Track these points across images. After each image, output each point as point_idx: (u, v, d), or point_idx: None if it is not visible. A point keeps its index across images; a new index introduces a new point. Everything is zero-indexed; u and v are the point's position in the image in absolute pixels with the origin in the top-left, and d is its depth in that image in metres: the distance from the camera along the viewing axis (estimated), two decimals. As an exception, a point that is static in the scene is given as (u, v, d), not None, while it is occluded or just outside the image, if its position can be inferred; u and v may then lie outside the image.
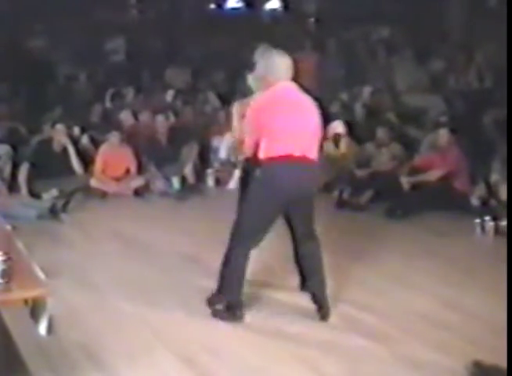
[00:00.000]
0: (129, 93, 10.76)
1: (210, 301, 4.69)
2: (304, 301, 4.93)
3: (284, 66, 4.51)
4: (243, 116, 4.69)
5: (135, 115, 9.77)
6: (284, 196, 4.50)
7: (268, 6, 13.17)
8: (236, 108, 4.97)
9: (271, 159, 4.43)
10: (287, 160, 4.43)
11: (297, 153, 4.44)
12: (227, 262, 4.56)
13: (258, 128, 4.44)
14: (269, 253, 5.71)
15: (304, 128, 4.48)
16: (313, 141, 4.53)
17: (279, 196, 4.49)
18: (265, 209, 4.50)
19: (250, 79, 4.79)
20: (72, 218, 7.34)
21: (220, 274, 4.59)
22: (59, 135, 8.37)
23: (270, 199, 4.47)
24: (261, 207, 4.49)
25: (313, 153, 4.52)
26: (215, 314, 4.62)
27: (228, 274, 4.56)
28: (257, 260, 5.51)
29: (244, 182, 4.77)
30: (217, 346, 4.20)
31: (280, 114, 4.42)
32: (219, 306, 4.63)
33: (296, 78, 4.59)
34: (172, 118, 9.64)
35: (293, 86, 4.55)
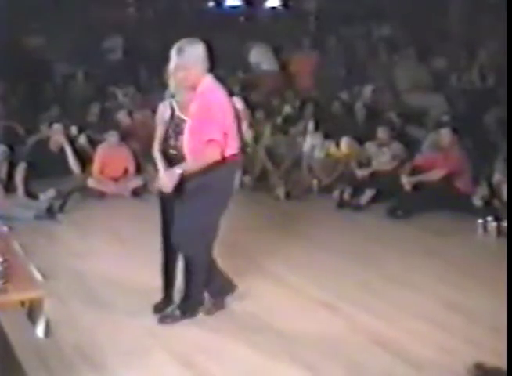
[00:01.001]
0: (129, 92, 10.73)
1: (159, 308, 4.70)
2: (304, 300, 4.97)
3: (204, 56, 4.34)
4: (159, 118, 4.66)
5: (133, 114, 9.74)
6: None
7: (268, 4, 13.17)
8: (160, 110, 4.70)
9: (224, 160, 4.36)
10: (236, 158, 4.46)
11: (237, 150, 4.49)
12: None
13: (229, 128, 4.37)
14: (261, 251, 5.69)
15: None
16: None
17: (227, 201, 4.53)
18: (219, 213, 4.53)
19: (173, 83, 4.49)
20: (69, 219, 7.32)
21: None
22: (57, 135, 8.32)
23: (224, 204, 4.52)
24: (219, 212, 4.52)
25: None
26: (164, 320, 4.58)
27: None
28: (252, 260, 5.51)
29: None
30: (214, 347, 4.20)
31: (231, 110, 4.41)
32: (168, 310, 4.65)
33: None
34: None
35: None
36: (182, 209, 4.41)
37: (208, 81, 4.35)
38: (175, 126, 4.55)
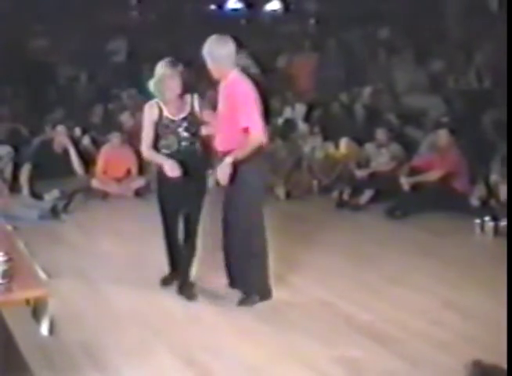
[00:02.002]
0: (131, 94, 10.77)
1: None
2: (303, 299, 5.01)
3: (227, 52, 4.64)
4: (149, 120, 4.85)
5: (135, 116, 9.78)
6: None
7: (269, 7, 13.16)
8: (147, 111, 4.94)
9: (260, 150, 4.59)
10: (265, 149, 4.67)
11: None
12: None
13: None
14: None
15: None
16: None
17: None
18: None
19: (152, 85, 4.82)
20: (73, 219, 7.38)
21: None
22: (60, 136, 8.38)
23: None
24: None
25: None
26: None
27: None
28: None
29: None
30: (217, 345, 4.22)
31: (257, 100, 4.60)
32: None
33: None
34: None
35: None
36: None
37: (233, 75, 4.62)
38: (164, 127, 4.80)
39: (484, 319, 4.57)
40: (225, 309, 4.79)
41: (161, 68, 4.77)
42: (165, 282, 5.18)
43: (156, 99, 4.85)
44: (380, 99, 9.76)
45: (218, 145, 4.71)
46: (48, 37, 11.90)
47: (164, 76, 4.75)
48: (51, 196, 7.70)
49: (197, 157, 4.89)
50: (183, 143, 4.84)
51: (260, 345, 4.24)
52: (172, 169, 4.69)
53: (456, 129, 7.75)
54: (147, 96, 5.03)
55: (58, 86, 11.35)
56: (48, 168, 8.04)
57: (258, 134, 4.53)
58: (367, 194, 7.92)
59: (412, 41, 10.50)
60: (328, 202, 8.08)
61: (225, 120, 4.64)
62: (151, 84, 4.82)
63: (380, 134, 8.28)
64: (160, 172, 4.89)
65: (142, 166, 8.68)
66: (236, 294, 4.89)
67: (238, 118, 4.52)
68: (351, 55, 10.91)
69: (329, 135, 8.90)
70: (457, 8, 10.49)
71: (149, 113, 4.86)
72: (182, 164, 4.75)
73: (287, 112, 9.79)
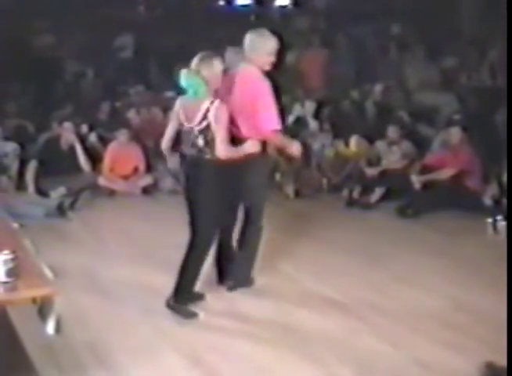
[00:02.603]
0: (139, 90, 10.74)
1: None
2: (313, 299, 4.99)
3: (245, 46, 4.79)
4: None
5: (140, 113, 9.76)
6: None
7: (278, 3, 13.17)
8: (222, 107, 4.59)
9: None
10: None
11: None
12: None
13: None
14: (270, 249, 5.69)
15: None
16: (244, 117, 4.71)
17: None
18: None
19: (188, 79, 4.54)
20: (80, 217, 7.35)
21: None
22: (67, 133, 8.34)
23: None
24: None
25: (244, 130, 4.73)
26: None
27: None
28: (261, 258, 5.51)
29: None
30: (223, 345, 4.21)
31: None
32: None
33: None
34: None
35: (245, 70, 4.78)
36: None
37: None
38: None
39: (495, 321, 4.54)
40: (230, 308, 4.77)
41: (213, 63, 4.51)
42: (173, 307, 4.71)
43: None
44: (391, 96, 9.75)
45: None
46: (55, 34, 11.90)
47: (220, 72, 4.55)
48: (57, 193, 7.67)
49: None
50: None
51: (267, 345, 4.22)
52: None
53: (469, 127, 7.73)
54: (180, 92, 4.76)
55: (64, 83, 11.34)
56: (55, 165, 8.01)
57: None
58: (378, 193, 7.89)
59: (424, 38, 10.50)
60: (338, 201, 8.05)
61: None
62: (184, 79, 4.54)
63: (392, 131, 8.25)
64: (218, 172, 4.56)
65: (150, 164, 8.66)
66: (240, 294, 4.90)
67: None
68: (362, 51, 10.90)
69: (340, 132, 8.87)
70: (470, 3, 10.46)
71: (225, 110, 4.49)
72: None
73: (297, 109, 9.73)
